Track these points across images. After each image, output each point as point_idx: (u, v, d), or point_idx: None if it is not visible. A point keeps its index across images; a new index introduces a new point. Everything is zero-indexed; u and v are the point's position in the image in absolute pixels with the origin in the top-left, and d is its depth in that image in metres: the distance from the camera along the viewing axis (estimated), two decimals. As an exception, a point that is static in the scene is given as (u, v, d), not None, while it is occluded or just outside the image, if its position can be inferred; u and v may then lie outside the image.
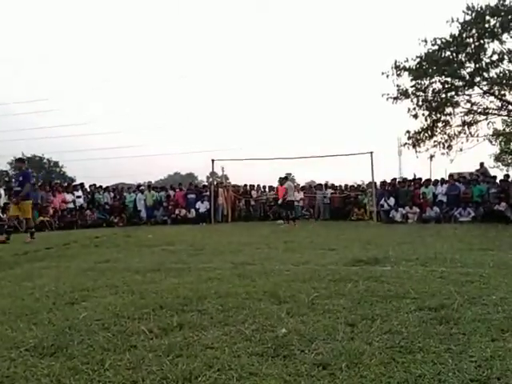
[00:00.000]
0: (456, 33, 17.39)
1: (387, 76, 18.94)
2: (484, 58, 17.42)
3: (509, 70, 17.03)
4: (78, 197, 19.24)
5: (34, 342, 2.62)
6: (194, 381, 2.04)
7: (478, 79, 17.86)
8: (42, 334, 2.78)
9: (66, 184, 22.34)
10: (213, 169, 21.17)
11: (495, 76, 17.35)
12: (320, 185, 22.36)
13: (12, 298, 3.99)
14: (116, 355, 2.39)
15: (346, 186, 21.84)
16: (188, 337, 2.67)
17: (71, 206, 18.67)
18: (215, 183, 21.20)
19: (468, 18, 17.14)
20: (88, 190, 20.50)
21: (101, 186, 20.94)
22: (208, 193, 20.55)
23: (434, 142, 19.35)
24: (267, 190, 22.65)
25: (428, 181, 19.21)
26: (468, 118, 18.93)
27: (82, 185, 20.65)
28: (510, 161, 29.69)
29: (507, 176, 16.80)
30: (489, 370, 2.08)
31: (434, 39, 17.80)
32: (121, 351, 2.45)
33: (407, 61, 18.54)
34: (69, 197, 18.86)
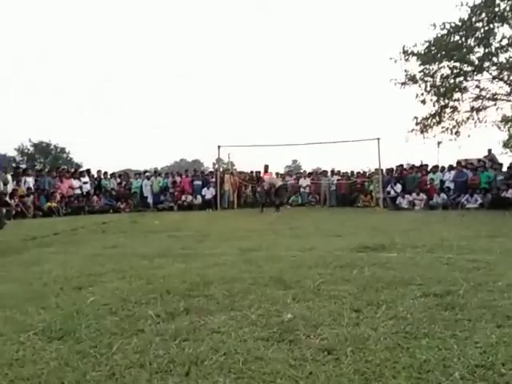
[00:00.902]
0: (465, 17, 17.17)
1: (395, 61, 18.79)
2: (493, 43, 17.22)
3: (518, 55, 16.83)
4: (85, 183, 19.32)
5: (43, 326, 2.65)
6: (201, 364, 2.06)
7: (487, 64, 17.66)
8: (50, 318, 2.80)
9: (72, 170, 22.42)
10: (219, 155, 21.17)
11: (505, 61, 17.16)
12: (325, 171, 22.30)
13: (20, 282, 4.03)
14: (123, 339, 2.42)
15: (352, 172, 21.76)
16: (194, 321, 2.69)
17: (78, 191, 18.77)
18: (221, 170, 21.21)
19: (478, 1, 16.91)
20: (95, 176, 20.56)
21: (107, 172, 21.00)
22: (214, 179, 20.58)
23: (442, 128, 19.23)
24: (274, 176, 22.63)
25: (435, 167, 19.11)
26: (476, 104, 18.78)
27: (88, 171, 20.72)
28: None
29: (515, 163, 16.68)
30: (494, 356, 2.07)
31: (443, 23, 17.58)
32: (128, 335, 2.48)
33: (415, 46, 18.36)
34: (76, 183, 18.94)
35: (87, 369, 2.05)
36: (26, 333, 2.57)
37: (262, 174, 18.43)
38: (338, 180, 20.99)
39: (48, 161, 51.49)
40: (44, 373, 2.03)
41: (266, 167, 17.86)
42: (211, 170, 26.33)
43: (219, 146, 20.39)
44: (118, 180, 21.15)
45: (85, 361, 2.15)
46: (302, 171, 26.00)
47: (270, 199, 16.69)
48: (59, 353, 2.26)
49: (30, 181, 17.29)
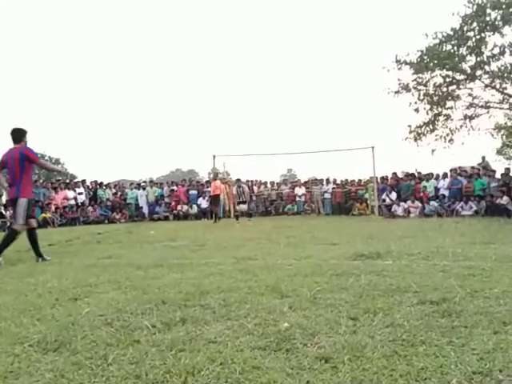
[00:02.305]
0: (457, 26, 17.32)
1: (388, 70, 18.90)
2: (485, 52, 17.35)
3: (510, 63, 16.95)
4: (80, 193, 19.28)
5: (38, 338, 2.63)
6: (197, 375, 2.05)
7: (479, 72, 17.80)
8: (46, 330, 2.78)
9: (67, 181, 22.37)
10: (214, 164, 21.15)
11: (496, 69, 17.28)
12: (317, 180, 22.33)
13: (15, 294, 4.00)
14: (119, 350, 2.40)
15: (347, 180, 21.80)
16: (191, 331, 2.68)
17: (73, 202, 18.71)
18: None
19: (469, 11, 17.05)
20: (90, 186, 20.51)
21: (102, 183, 20.96)
22: (209, 189, 20.57)
23: (436, 135, 19.30)
24: (269, 185, 22.67)
25: (430, 175, 19.19)
26: (469, 112, 18.86)
27: (83, 181, 20.67)
28: (511, 154, 29.61)
29: (508, 170, 16.75)
30: (491, 363, 2.08)
31: (435, 33, 17.73)
32: (124, 346, 2.46)
33: (408, 55, 18.48)
34: (70, 193, 18.90)
35: (83, 380, 2.04)
36: (21, 345, 2.55)
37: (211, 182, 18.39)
38: (333, 188, 21.02)
39: (43, 172, 51.33)
40: (39, 385, 2.01)
41: (215, 175, 17.93)
42: (207, 179, 26.30)
43: (214, 156, 20.42)
44: (114, 190, 21.11)
45: (80, 372, 2.13)
46: (297, 180, 26.03)
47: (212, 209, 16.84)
48: (55, 364, 2.24)
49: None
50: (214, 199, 16.99)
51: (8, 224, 14.54)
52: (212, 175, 18.15)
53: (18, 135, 6.57)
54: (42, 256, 6.53)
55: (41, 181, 21.67)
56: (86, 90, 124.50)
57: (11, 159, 6.38)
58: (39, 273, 5.16)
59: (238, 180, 16.85)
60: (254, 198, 21.92)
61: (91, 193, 20.14)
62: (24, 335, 2.71)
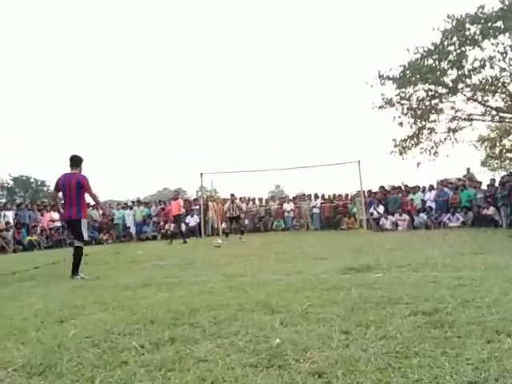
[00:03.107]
0: (438, 41, 17.68)
1: (371, 86, 19.17)
2: (466, 65, 17.71)
3: (491, 76, 17.31)
4: (66, 215, 19.04)
5: (22, 362, 2.55)
6: (188, 395, 1.99)
7: (461, 86, 18.13)
8: (31, 353, 2.70)
9: (53, 203, 22.13)
10: (201, 183, 21.13)
11: (478, 82, 17.63)
12: (304, 195, 22.38)
13: (-1, 318, 3.90)
14: (106, 372, 2.33)
15: (334, 195, 21.87)
16: (180, 350, 2.62)
17: (59, 224, 18.48)
18: (205, 197, 21.14)
19: (449, 26, 17.45)
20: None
21: (89, 204, 20.74)
22: (198, 207, 20.49)
23: (421, 148, 19.56)
24: (257, 202, 22.66)
25: (417, 187, 19.34)
26: (453, 125, 19.19)
27: (70, 203, 20.43)
28: (495, 165, 30.01)
29: (494, 180, 16.96)
30: (486, 372, 2.05)
31: (417, 48, 18.09)
32: (111, 368, 2.39)
33: (391, 70, 18.78)
34: (56, 215, 18.67)
35: (69, 404, 1.97)
36: (4, 369, 2.47)
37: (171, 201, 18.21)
38: (321, 203, 21.06)
39: (28, 194, 50.88)
40: (23, 411, 1.94)
41: (176, 194, 17.98)
42: (195, 197, 26.23)
43: (202, 174, 20.38)
44: (101, 211, 20.92)
45: (66, 396, 2.06)
46: (285, 196, 26.08)
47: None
48: (39, 389, 2.17)
49: (10, 215, 17.03)
50: (176, 219, 16.80)
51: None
52: (174, 194, 17.99)
53: (76, 162, 7.15)
54: (77, 274, 6.87)
55: (26, 203, 21.38)
56: (70, 111, 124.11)
57: (68, 184, 6.97)
58: (25, 296, 5.05)
59: (232, 195, 16.70)
60: (243, 215, 21.87)
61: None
62: (8, 360, 2.62)
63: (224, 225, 17.98)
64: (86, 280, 6.53)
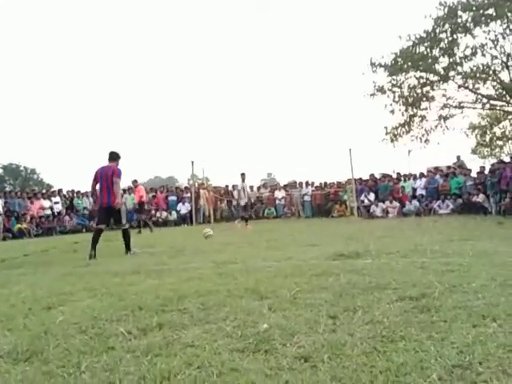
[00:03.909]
0: (429, 28, 17.63)
1: (363, 73, 19.13)
2: (457, 53, 17.69)
3: (482, 64, 17.31)
4: (56, 203, 18.93)
5: (8, 348, 2.54)
6: (173, 379, 1.99)
7: (452, 73, 18.14)
8: (17, 340, 2.69)
9: (43, 191, 21.97)
10: (193, 171, 21.03)
11: (469, 70, 17.62)
12: (295, 183, 22.39)
13: (-14, 305, 3.87)
14: (93, 357, 2.33)
15: (325, 183, 21.90)
16: (168, 336, 2.61)
17: (49, 212, 18.37)
18: (196, 185, 21.08)
19: (441, 13, 17.41)
20: (66, 195, 20.17)
21: (79, 192, 20.63)
22: (189, 194, 20.44)
23: (412, 136, 19.61)
24: (249, 190, 22.63)
25: (408, 175, 19.42)
26: (444, 112, 19.22)
27: (60, 191, 20.31)
28: (486, 153, 30.18)
29: (483, 168, 17.05)
30: (470, 356, 2.06)
31: (408, 35, 18.04)
32: (98, 353, 2.39)
33: (383, 57, 18.73)
34: (46, 203, 18.55)
35: (54, 390, 1.96)
36: (-11, 356, 2.45)
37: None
38: (312, 191, 21.09)
39: (18, 182, 50.51)
40: (7, 397, 1.93)
41: (134, 181, 17.89)
42: (186, 185, 26.17)
43: (193, 162, 20.29)
44: (91, 199, 20.79)
45: (52, 381, 2.06)
46: (276, 183, 26.07)
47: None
48: (25, 374, 2.16)
49: (-1, 203, 16.88)
50: (140, 206, 16.71)
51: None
52: (133, 182, 17.87)
53: (113, 157, 8.13)
54: (130, 250, 7.91)
55: (16, 191, 21.21)
56: (62, 98, 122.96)
57: (105, 175, 7.86)
58: (13, 283, 5.02)
59: (243, 174, 16.41)
60: (234, 202, 21.87)
61: (68, 202, 19.81)
62: (-7, 346, 2.61)
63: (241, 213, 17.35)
64: (139, 254, 7.63)
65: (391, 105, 19.30)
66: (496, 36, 17.06)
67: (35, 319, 3.24)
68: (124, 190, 21.19)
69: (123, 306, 3.42)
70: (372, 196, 18.55)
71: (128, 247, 7.92)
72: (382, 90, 19.15)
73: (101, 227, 8.01)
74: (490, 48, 17.25)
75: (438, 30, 17.61)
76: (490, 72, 17.70)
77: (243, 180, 15.84)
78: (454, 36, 17.52)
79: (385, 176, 20.14)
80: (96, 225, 8.35)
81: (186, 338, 2.56)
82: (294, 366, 2.08)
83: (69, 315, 3.26)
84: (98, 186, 8.14)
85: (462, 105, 18.92)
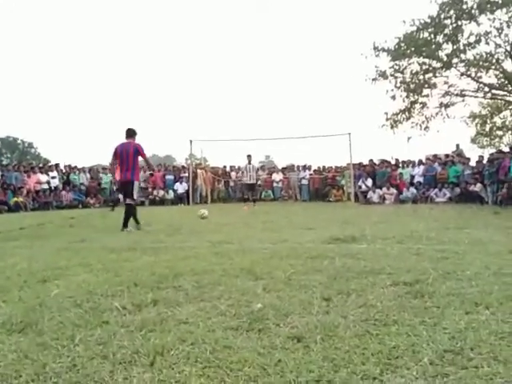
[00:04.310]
0: (434, 13, 17.39)
1: (366, 57, 18.93)
2: (461, 40, 17.48)
3: (485, 52, 17.13)
4: (53, 177, 18.87)
5: (3, 319, 2.55)
6: (166, 354, 2.00)
7: (455, 61, 17.94)
8: (12, 311, 2.70)
9: (40, 165, 21.89)
10: (191, 150, 20.97)
11: (472, 58, 17.44)
12: (293, 166, 22.36)
13: (-19, 276, 3.87)
14: (87, 331, 2.34)
15: (324, 167, 21.87)
16: (162, 312, 2.63)
17: (46, 186, 18.31)
18: (194, 164, 21.03)
19: (446, -2, 17.13)
20: (63, 170, 20.11)
21: (76, 167, 20.57)
22: (186, 174, 20.40)
23: (412, 123, 19.48)
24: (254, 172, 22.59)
25: (405, 162, 19.40)
26: (445, 100, 19.06)
27: (57, 165, 20.24)
28: (485, 143, 30.10)
29: (482, 157, 17.03)
30: (462, 341, 2.08)
31: (413, 20, 17.78)
32: (92, 327, 2.40)
33: (386, 42, 18.52)
34: (43, 177, 18.48)
35: (47, 360, 1.97)
36: (-16, 327, 2.46)
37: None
38: (310, 175, 21.07)
39: (15, 156, 50.32)
40: (1, 365, 1.94)
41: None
42: (183, 164, 26.06)
43: (191, 141, 20.22)
44: (88, 175, 20.74)
45: (45, 353, 2.07)
46: (274, 166, 26.03)
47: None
48: (19, 345, 2.17)
49: (-4, 176, 16.83)
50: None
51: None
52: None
53: (130, 134, 8.27)
54: (127, 227, 7.92)
55: (13, 164, 21.12)
56: (59, 71, 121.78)
57: (126, 151, 8.07)
58: (9, 256, 5.02)
59: (249, 156, 16.19)
60: (232, 183, 21.88)
61: (65, 177, 19.76)
62: (-12, 317, 2.62)
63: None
64: (133, 232, 7.59)
65: (392, 90, 19.12)
66: (501, 24, 16.82)
67: (30, 292, 3.25)
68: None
69: (119, 282, 3.44)
70: (369, 182, 18.55)
71: (126, 223, 7.93)
72: (384, 75, 18.96)
73: (130, 202, 8.14)
74: (495, 36, 17.03)
75: (442, 16, 17.35)
76: (493, 61, 17.52)
77: (249, 162, 15.77)
78: (459, 22, 17.26)
79: (383, 162, 20.11)
80: (124, 201, 8.51)
81: (180, 315, 2.57)
82: (287, 345, 2.09)
83: (64, 289, 3.27)
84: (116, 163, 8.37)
85: (463, 93, 18.77)
